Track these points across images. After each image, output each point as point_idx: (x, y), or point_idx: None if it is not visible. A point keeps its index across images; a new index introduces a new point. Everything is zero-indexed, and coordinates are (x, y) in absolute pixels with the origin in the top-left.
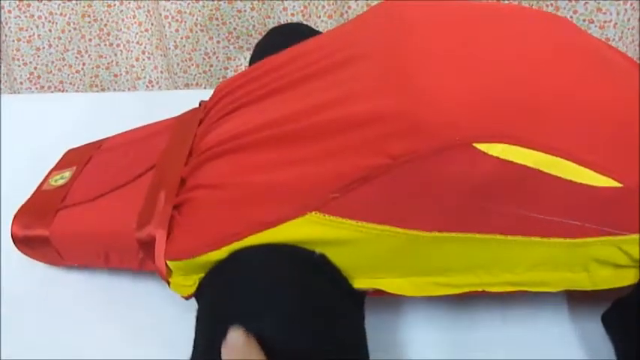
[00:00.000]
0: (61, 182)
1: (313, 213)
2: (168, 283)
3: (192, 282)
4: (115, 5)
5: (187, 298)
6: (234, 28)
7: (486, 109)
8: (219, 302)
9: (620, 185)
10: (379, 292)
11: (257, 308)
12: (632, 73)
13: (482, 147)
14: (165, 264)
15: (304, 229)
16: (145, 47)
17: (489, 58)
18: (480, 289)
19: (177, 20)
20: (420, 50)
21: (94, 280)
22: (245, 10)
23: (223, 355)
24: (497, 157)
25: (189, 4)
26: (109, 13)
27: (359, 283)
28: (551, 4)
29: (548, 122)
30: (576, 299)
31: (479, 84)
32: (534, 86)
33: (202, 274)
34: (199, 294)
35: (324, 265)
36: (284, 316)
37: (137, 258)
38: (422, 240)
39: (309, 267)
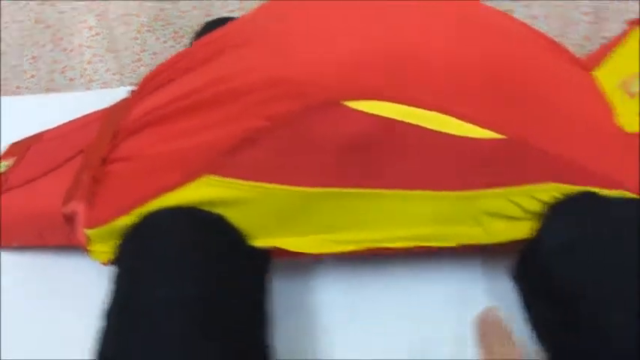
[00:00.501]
0: (1, 170)
1: (209, 176)
2: (89, 252)
3: (109, 248)
4: (66, 11)
5: (106, 264)
6: (180, 28)
7: (354, 70)
8: (133, 266)
9: (503, 137)
10: (283, 253)
11: (166, 272)
12: (531, 44)
13: (352, 104)
14: (86, 234)
15: (201, 192)
16: (97, 50)
17: (362, 31)
18: (377, 246)
19: (125, 23)
20: (298, 30)
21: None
22: (188, 10)
23: (479, 330)
24: (368, 113)
25: (135, 5)
26: (61, 19)
27: (259, 243)
28: None
29: (415, 79)
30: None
31: (348, 51)
32: (403, 50)
33: (118, 240)
34: (116, 259)
35: (224, 226)
36: (187, 280)
37: (65, 233)
38: (309, 196)
39: (209, 228)
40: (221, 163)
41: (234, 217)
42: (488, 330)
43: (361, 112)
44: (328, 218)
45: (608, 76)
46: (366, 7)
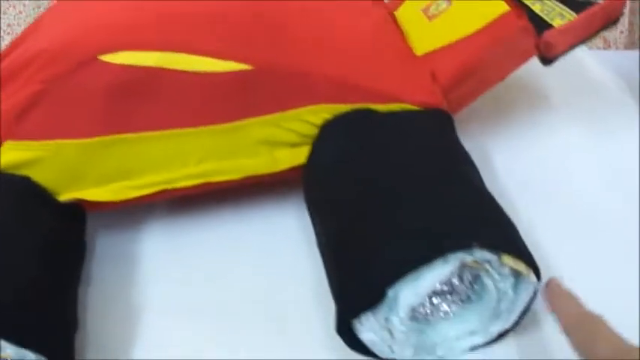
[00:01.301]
0: None
1: (8, 141)
2: None
3: None
4: None
5: None
6: None
7: (106, 30)
8: None
9: (248, 67)
10: (92, 205)
11: None
12: None
13: (107, 58)
14: None
15: (5, 157)
16: None
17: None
18: (172, 187)
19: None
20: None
21: None
22: None
23: (551, 303)
24: (122, 64)
25: None
26: None
27: (64, 197)
28: None
29: (160, 27)
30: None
31: (103, 17)
32: (149, 7)
33: None
34: None
35: (31, 186)
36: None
37: None
38: (88, 147)
39: (20, 190)
40: (14, 129)
41: (37, 176)
42: (557, 298)
43: (116, 64)
44: (116, 166)
45: (415, 4)
46: None
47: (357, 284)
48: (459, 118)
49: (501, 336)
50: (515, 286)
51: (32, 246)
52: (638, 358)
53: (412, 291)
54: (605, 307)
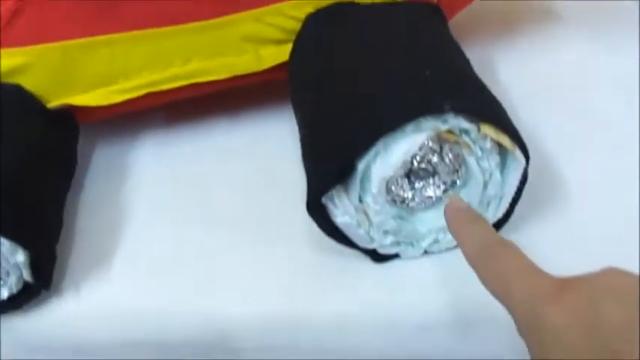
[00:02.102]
0: None
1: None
2: None
3: None
4: None
5: None
6: None
7: None
8: None
9: None
10: (82, 114)
11: None
12: None
13: None
14: None
15: None
16: None
17: None
18: (156, 89)
19: None
20: None
21: None
22: None
23: (450, 217)
24: None
25: None
26: None
27: (54, 104)
28: None
29: None
30: None
31: None
32: None
33: None
34: None
35: (21, 94)
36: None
37: None
38: (76, 49)
39: (11, 96)
40: (5, 36)
41: (26, 83)
42: (455, 215)
43: None
44: (101, 70)
45: None
46: None
47: (325, 158)
48: (465, 30)
49: (495, 228)
50: (503, 169)
51: (20, 148)
52: (558, 298)
53: (383, 162)
54: (611, 221)
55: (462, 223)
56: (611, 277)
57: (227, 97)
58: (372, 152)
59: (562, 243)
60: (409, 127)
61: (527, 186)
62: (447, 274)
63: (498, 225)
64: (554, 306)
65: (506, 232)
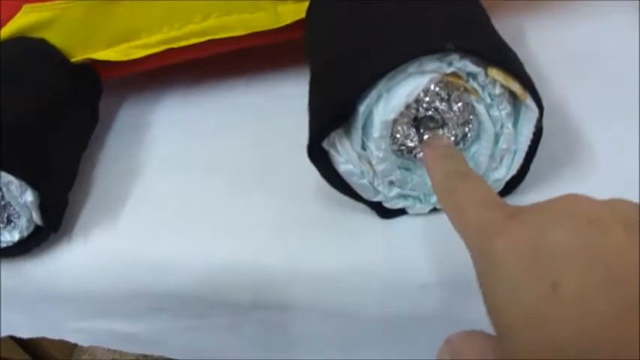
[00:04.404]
0: None
1: (25, 6)
2: None
3: None
4: None
5: None
6: None
7: None
8: None
9: None
10: (105, 70)
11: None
12: None
13: None
14: None
15: (22, 20)
16: None
17: None
18: (175, 45)
19: None
20: None
21: None
22: None
23: (426, 151)
24: None
25: None
26: None
27: (77, 58)
28: None
29: None
30: None
31: None
32: None
33: None
34: None
35: (46, 47)
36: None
37: None
38: (98, 4)
39: (36, 49)
40: None
41: (51, 37)
42: (431, 150)
43: None
44: (122, 25)
45: None
46: None
47: (325, 100)
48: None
49: (510, 187)
50: (515, 121)
51: (40, 96)
52: (505, 227)
53: (385, 106)
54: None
55: (435, 158)
56: (567, 202)
57: (246, 60)
58: (373, 95)
59: None
60: (412, 69)
61: (551, 152)
62: (455, 234)
63: (514, 183)
64: (498, 235)
65: (527, 195)
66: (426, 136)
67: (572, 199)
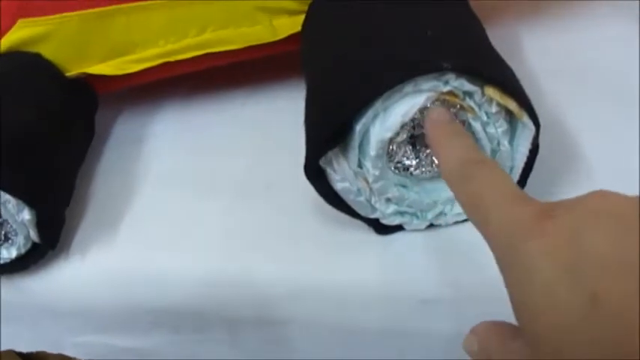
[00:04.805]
0: None
1: (19, 20)
2: None
3: None
4: None
5: None
6: None
7: None
8: None
9: None
10: (100, 85)
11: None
12: None
13: None
14: None
15: (17, 35)
16: None
17: None
18: (171, 59)
19: None
20: None
21: None
22: None
23: (431, 130)
24: None
25: None
26: None
27: (72, 73)
28: None
29: None
30: None
31: None
32: None
33: None
34: None
35: (41, 62)
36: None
37: None
38: (93, 18)
39: (31, 64)
40: (24, 7)
41: (46, 52)
42: (436, 127)
43: None
44: (118, 39)
45: None
46: None
47: (322, 118)
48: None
49: None
50: (512, 139)
51: (35, 112)
52: (538, 232)
53: (382, 124)
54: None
55: (441, 135)
56: (597, 200)
57: (245, 72)
58: (370, 114)
59: None
60: (408, 88)
61: (548, 164)
62: (452, 249)
63: None
64: (533, 237)
65: None
66: (422, 153)
67: (602, 196)
